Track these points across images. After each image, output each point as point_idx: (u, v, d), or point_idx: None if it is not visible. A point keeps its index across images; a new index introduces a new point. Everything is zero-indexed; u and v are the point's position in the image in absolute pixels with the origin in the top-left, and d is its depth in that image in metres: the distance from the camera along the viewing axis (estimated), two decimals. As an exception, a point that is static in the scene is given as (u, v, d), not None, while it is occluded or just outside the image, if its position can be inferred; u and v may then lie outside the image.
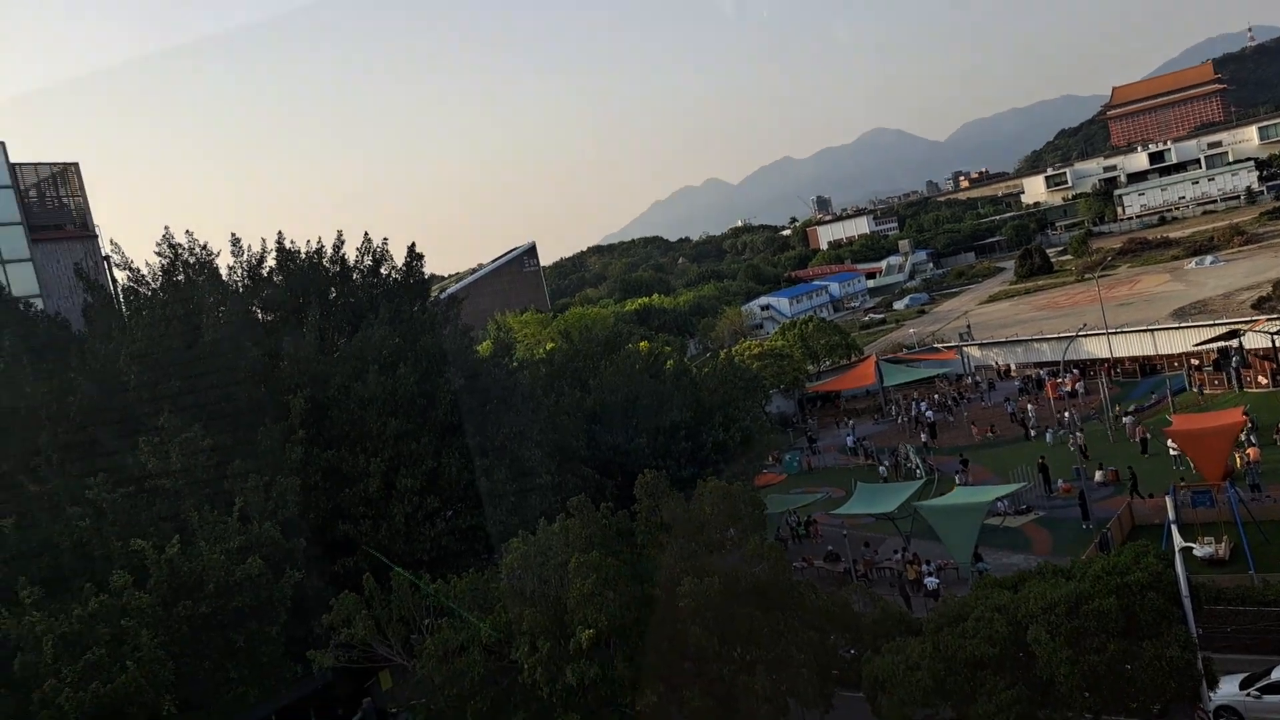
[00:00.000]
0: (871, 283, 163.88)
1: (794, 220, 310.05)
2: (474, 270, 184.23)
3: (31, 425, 30.82)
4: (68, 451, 30.18)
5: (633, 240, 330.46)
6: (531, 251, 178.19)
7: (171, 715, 23.22)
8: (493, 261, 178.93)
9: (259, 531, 27.42)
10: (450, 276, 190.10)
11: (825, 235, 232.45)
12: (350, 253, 38.13)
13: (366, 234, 38.51)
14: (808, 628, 22.81)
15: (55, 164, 47.61)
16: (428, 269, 40.53)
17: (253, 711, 27.75)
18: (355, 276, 38.16)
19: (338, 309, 37.29)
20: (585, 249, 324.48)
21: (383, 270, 38.52)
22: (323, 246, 37.87)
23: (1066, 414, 56.29)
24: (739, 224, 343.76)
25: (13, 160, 44.27)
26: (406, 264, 38.89)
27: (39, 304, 39.64)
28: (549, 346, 60.28)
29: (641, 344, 58.92)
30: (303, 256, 37.37)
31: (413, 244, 39.16)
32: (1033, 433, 56.17)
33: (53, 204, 47.30)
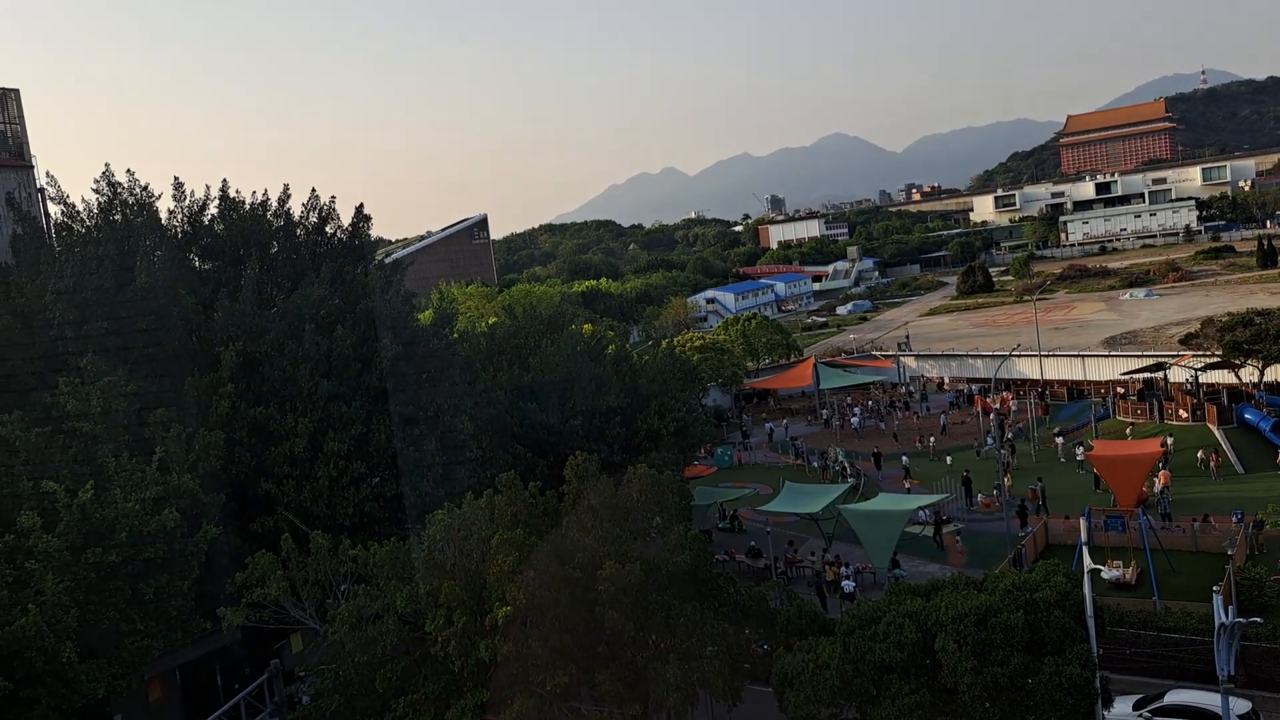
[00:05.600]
0: (817, 286, 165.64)
1: (747, 217, 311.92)
2: (423, 237, 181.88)
3: (-54, 355, 29.76)
4: (-18, 385, 29.20)
5: (586, 222, 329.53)
6: (483, 224, 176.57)
7: (71, 662, 22.66)
8: (442, 230, 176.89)
9: (178, 483, 26.84)
10: (398, 241, 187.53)
11: (776, 234, 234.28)
12: (296, 208, 37.37)
13: (314, 190, 37.77)
14: (723, 620, 23.04)
15: (-8, 88, 45.75)
16: (374, 232, 39.91)
17: (156, 664, 27.23)
18: (299, 233, 37.39)
19: (278, 264, 36.52)
20: (537, 226, 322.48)
21: (328, 229, 37.79)
22: (267, 199, 37.07)
23: (997, 431, 57.52)
24: (692, 215, 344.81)
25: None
26: (353, 225, 38.22)
27: (-36, 231, 38.13)
28: (491, 321, 59.81)
29: (585, 326, 58.73)
30: (246, 207, 36.52)
31: (360, 205, 38.52)
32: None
33: (-14, 129, 45.45)
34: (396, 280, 38.63)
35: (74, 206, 34.80)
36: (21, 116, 46.16)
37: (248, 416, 30.58)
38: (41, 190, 42.89)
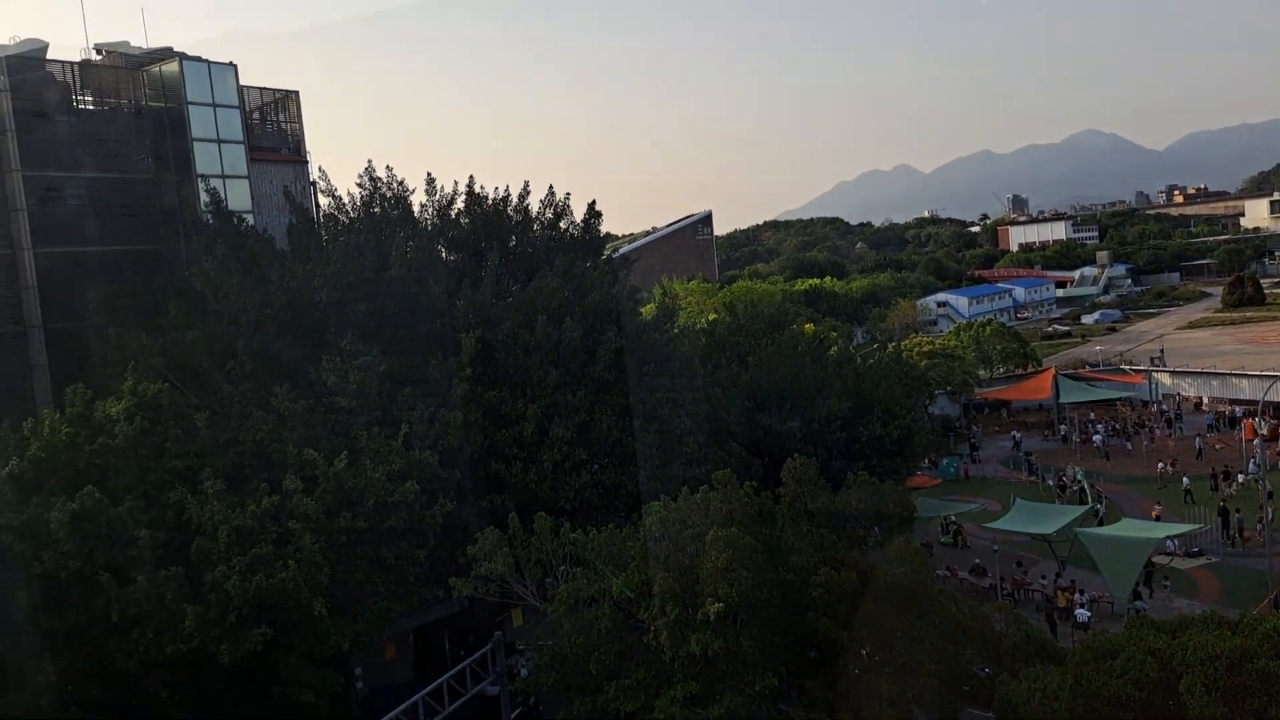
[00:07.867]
0: (1061, 292, 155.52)
1: (985, 217, 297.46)
2: (648, 233, 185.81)
3: (232, 330, 33.30)
4: (259, 359, 32.42)
5: (811, 219, 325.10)
6: (707, 220, 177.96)
7: (321, 616, 24.80)
8: (667, 226, 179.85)
9: (419, 458, 28.78)
10: (624, 237, 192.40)
11: (1017, 236, 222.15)
12: (533, 204, 39.18)
13: (551, 187, 39.45)
14: (942, 638, 22.12)
15: (278, 90, 50.69)
16: (604, 227, 41.18)
17: (393, 625, 29.37)
18: (535, 228, 39.16)
19: (516, 256, 38.41)
20: (761, 223, 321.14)
21: (561, 224, 39.38)
22: (509, 195, 39.03)
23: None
24: (925, 214, 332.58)
25: (241, 83, 47.41)
26: (585, 221, 39.61)
27: (250, 219, 42.45)
28: (711, 317, 60.23)
29: (807, 326, 58.04)
30: (489, 202, 38.63)
31: (593, 202, 39.87)
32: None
33: (272, 127, 50.43)
34: (623, 275, 39.71)
35: (340, 199, 38.07)
36: (300, 116, 50.91)
37: (483, 400, 32.35)
38: (314, 184, 47.21)
